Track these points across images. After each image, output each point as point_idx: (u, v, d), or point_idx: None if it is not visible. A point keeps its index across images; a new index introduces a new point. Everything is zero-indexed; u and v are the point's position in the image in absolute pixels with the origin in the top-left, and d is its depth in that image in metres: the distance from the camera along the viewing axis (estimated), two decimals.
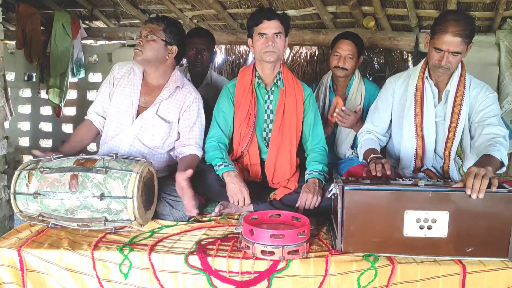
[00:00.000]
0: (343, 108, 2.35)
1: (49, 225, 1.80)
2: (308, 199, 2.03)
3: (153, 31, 2.07)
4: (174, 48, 2.13)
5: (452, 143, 2.05)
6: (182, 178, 1.86)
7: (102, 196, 1.69)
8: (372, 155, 1.98)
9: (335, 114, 2.35)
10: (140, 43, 2.06)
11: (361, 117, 2.42)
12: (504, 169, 1.77)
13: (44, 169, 1.75)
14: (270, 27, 2.11)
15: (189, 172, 1.87)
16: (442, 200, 1.57)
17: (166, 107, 2.15)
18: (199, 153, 2.18)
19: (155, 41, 2.06)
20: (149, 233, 1.81)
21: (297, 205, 2.05)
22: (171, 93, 2.15)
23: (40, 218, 1.77)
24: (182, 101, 2.17)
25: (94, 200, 1.70)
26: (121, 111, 2.14)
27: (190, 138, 2.17)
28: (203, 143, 2.23)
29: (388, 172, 1.80)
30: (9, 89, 4.30)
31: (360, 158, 2.16)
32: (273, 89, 2.27)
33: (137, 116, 2.12)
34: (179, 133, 2.20)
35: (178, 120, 2.18)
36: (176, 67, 2.24)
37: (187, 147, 2.16)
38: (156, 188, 1.96)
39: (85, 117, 2.27)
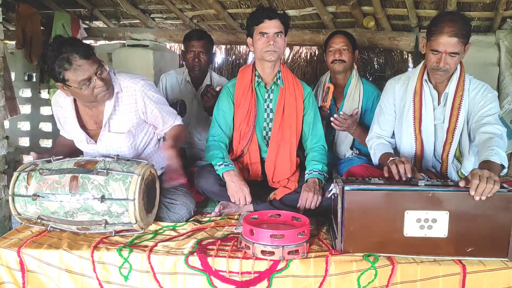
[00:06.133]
0: (340, 112, 2.38)
1: (48, 228, 1.77)
2: (309, 198, 2.03)
3: (89, 70, 1.77)
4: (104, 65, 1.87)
5: (450, 147, 2.03)
6: (165, 147, 1.92)
7: (102, 198, 1.67)
8: (391, 158, 1.89)
9: (332, 119, 2.37)
10: (102, 88, 1.82)
11: (356, 120, 2.44)
12: (505, 171, 1.75)
13: (43, 171, 1.73)
14: (271, 26, 2.11)
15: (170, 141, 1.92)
16: (442, 200, 1.58)
17: (117, 120, 1.96)
18: (179, 121, 2.17)
19: (102, 75, 1.82)
20: (151, 235, 1.80)
21: (298, 205, 2.05)
22: (115, 104, 1.93)
23: (38, 221, 1.74)
24: (132, 103, 1.96)
25: (95, 202, 1.68)
26: (79, 141, 2.02)
27: (166, 123, 2.11)
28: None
29: (409, 175, 1.74)
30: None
31: (375, 163, 2.12)
32: (273, 88, 2.26)
33: (96, 141, 1.99)
34: (147, 123, 2.06)
35: (143, 116, 2.01)
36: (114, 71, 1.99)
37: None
38: (157, 191, 1.94)
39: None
